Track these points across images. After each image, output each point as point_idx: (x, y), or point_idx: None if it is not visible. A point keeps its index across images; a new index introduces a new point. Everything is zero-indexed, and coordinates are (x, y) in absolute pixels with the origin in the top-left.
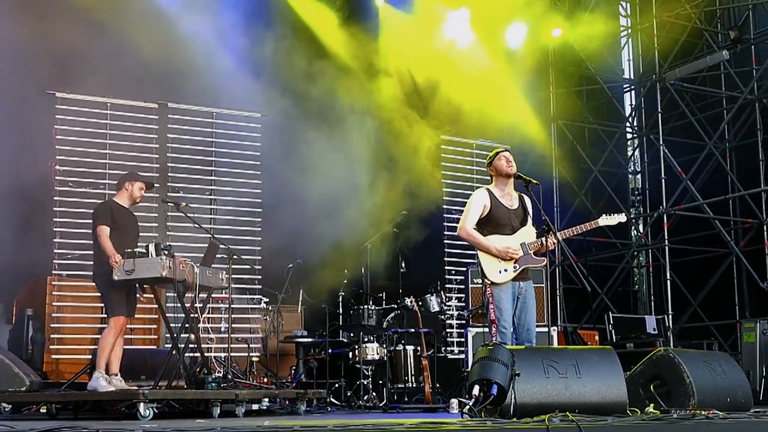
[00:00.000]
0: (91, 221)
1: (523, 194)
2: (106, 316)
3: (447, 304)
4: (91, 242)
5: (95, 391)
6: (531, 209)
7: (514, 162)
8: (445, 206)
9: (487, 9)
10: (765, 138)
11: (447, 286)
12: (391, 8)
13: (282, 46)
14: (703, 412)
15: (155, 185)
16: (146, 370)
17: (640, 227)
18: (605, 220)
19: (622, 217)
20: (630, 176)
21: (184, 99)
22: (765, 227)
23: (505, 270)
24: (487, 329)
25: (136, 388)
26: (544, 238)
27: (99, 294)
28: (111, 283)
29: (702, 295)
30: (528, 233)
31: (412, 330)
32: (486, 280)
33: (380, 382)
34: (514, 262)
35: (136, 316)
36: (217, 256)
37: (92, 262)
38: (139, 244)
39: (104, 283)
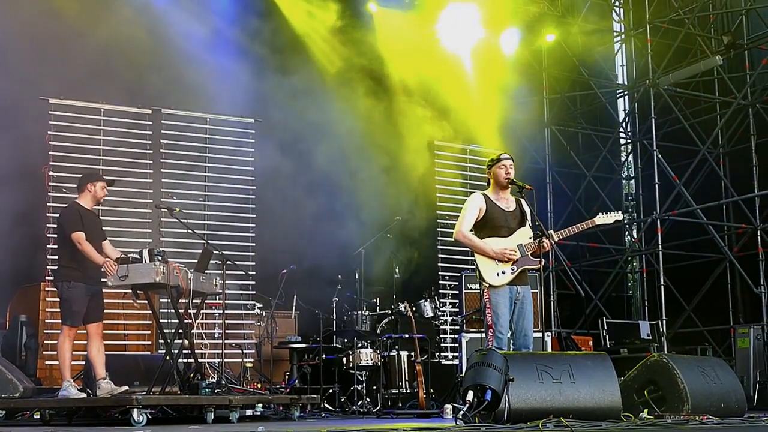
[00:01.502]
0: (60, 227)
1: (520, 198)
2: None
3: (441, 309)
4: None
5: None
6: (529, 212)
7: (513, 170)
8: (438, 211)
9: (481, 14)
10: (758, 143)
11: (441, 291)
12: (385, 14)
13: (276, 51)
14: (697, 418)
15: (114, 181)
16: (140, 375)
17: (634, 232)
18: (602, 219)
19: (618, 215)
20: (623, 181)
21: (177, 104)
22: (759, 232)
23: (503, 272)
24: (481, 335)
25: (129, 391)
26: (540, 239)
27: (57, 299)
28: (73, 289)
29: (696, 300)
30: (524, 235)
31: (406, 335)
32: (484, 284)
33: (374, 387)
34: (512, 264)
35: (130, 321)
36: (211, 261)
37: (56, 267)
38: (133, 249)
39: (66, 288)
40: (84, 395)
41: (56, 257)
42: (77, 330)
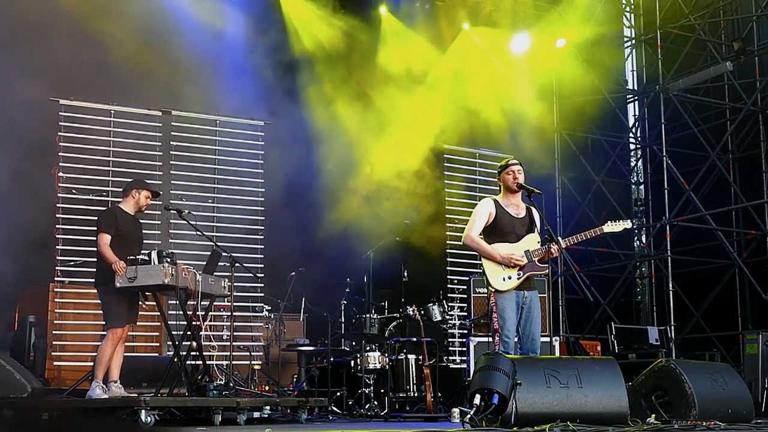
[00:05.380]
0: (95, 228)
1: (531, 206)
2: (104, 324)
3: (449, 313)
4: (95, 249)
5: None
6: (538, 220)
7: (523, 174)
8: (447, 215)
9: (492, 18)
10: None
11: (449, 295)
12: (395, 18)
13: (286, 53)
14: (704, 423)
15: (160, 193)
16: (148, 377)
17: (643, 238)
18: (610, 227)
19: (627, 224)
20: (633, 187)
21: (187, 106)
22: (767, 239)
23: (509, 278)
24: (488, 339)
25: (137, 395)
26: (547, 245)
27: (99, 302)
28: (112, 291)
29: (704, 306)
30: (532, 241)
31: (414, 339)
32: (490, 288)
33: (382, 390)
34: (519, 270)
35: (138, 323)
36: (220, 263)
37: (95, 269)
38: (142, 251)
39: (105, 291)
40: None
41: (95, 259)
42: (123, 331)
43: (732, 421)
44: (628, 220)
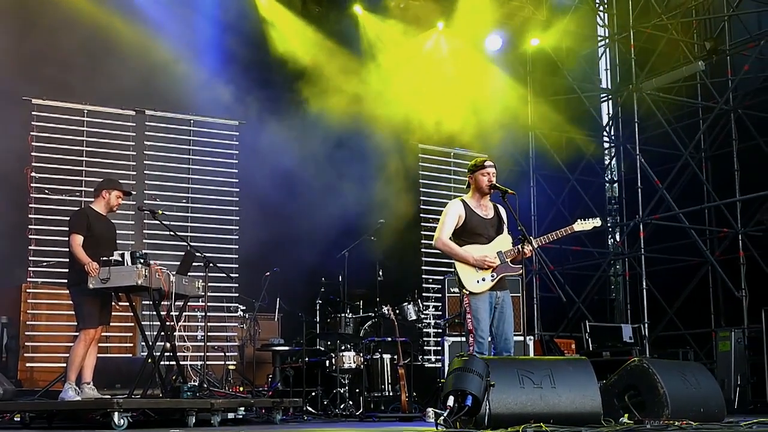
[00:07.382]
0: (67, 228)
1: (497, 204)
2: (77, 325)
3: (424, 312)
4: (67, 250)
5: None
6: (506, 218)
7: (495, 175)
8: (422, 215)
9: (466, 18)
10: (740, 148)
11: (424, 294)
12: (370, 17)
13: (260, 54)
14: (676, 423)
15: (132, 193)
16: (121, 378)
17: (617, 236)
18: (580, 226)
19: (597, 222)
20: (607, 185)
21: (161, 106)
22: (740, 237)
23: (483, 279)
24: (464, 338)
25: (110, 397)
26: (520, 246)
27: (71, 303)
28: (85, 292)
29: (678, 304)
30: (504, 242)
31: (389, 339)
32: (464, 290)
33: (357, 390)
34: (492, 271)
35: (111, 324)
36: (194, 264)
37: (67, 270)
38: (115, 252)
39: (78, 292)
40: (80, 398)
41: (67, 260)
42: (96, 332)
43: (704, 420)
44: (597, 219)
